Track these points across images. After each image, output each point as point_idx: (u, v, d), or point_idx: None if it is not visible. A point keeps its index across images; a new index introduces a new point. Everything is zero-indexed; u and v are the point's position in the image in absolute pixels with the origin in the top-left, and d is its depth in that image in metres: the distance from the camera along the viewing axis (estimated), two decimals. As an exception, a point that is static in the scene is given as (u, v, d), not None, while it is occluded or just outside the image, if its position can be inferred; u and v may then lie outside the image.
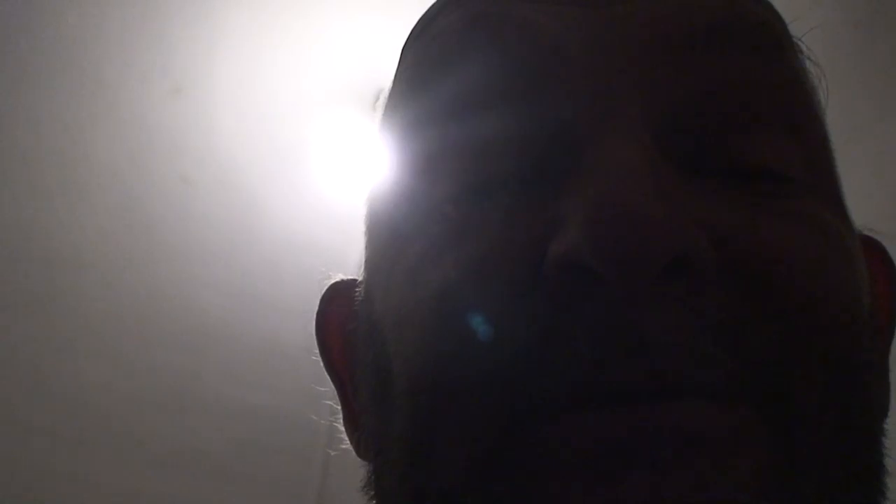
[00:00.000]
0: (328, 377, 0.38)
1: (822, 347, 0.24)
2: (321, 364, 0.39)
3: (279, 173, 1.83)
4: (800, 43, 0.31)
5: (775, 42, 0.29)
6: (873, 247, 0.34)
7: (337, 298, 0.38)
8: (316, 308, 0.39)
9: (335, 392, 0.38)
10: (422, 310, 0.26)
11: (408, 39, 0.34)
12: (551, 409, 0.23)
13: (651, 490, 0.21)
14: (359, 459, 0.35)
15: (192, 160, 1.80)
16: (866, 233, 0.34)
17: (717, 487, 0.21)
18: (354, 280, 0.36)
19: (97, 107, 1.72)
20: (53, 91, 1.69)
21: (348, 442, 0.38)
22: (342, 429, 0.38)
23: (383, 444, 0.29)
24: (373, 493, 0.31)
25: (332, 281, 0.39)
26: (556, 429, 0.23)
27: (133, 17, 1.62)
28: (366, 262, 0.33)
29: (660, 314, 0.22)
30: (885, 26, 1.45)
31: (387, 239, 0.31)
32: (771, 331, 0.23)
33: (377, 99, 1.74)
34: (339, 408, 0.38)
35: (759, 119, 0.27)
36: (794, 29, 0.31)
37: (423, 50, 0.31)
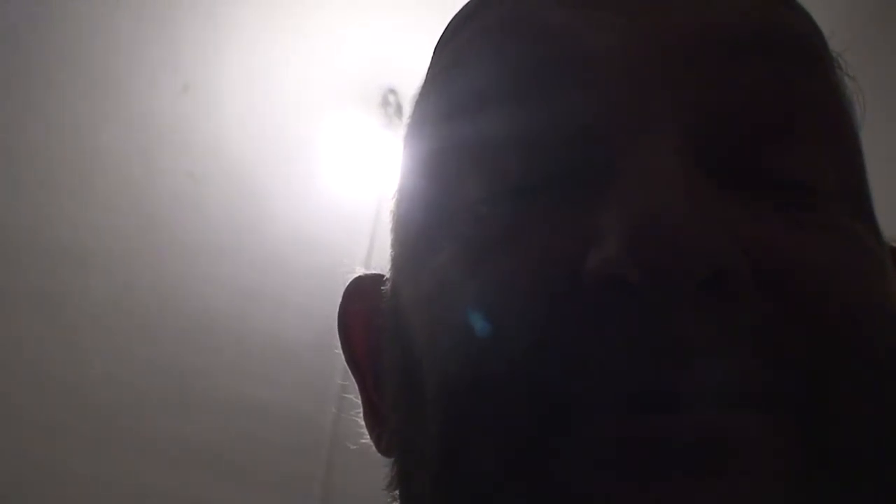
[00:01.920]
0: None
1: (856, 358, 0.24)
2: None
3: (286, 170, 1.84)
4: (838, 56, 0.31)
5: (813, 54, 0.29)
6: None
7: (360, 292, 0.38)
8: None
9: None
10: (456, 316, 0.26)
11: (439, 41, 0.34)
12: (588, 413, 0.23)
13: (684, 496, 0.21)
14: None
15: (199, 157, 1.80)
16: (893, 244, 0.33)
17: (749, 495, 0.22)
18: (379, 275, 0.36)
19: (106, 103, 1.73)
20: (63, 88, 1.70)
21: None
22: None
23: (413, 443, 0.28)
24: (398, 491, 0.31)
25: (355, 275, 0.39)
26: (591, 431, 0.23)
27: (143, 15, 1.63)
28: (393, 258, 0.33)
29: (697, 325, 0.23)
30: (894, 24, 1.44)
31: (415, 237, 0.31)
32: (806, 342, 0.23)
33: (384, 98, 1.75)
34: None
35: (795, 131, 0.27)
36: (833, 43, 0.31)
37: (455, 52, 0.31)
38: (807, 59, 0.29)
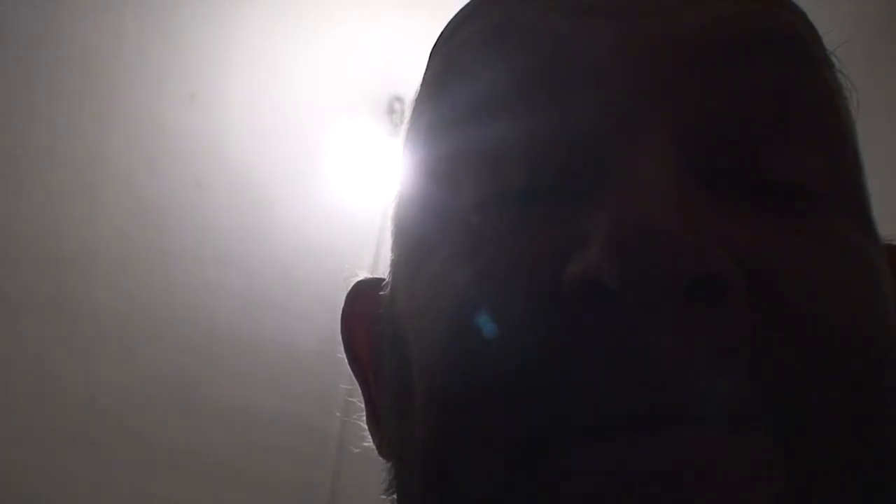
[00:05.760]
0: (342, 377, 0.38)
1: (845, 374, 0.24)
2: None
3: (292, 178, 1.84)
4: (832, 56, 0.30)
5: (808, 55, 0.29)
6: None
7: (362, 297, 0.38)
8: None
9: (347, 396, 0.38)
10: (441, 321, 0.26)
11: (435, 46, 0.34)
12: (566, 431, 0.23)
13: None
14: (370, 463, 0.35)
15: (206, 164, 1.81)
16: (893, 243, 0.33)
17: None
18: (380, 279, 0.36)
19: (113, 111, 1.74)
20: (70, 95, 1.71)
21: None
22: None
23: (404, 451, 0.29)
24: (394, 496, 0.31)
25: (357, 279, 0.39)
26: (574, 444, 0.23)
27: (149, 23, 1.64)
28: (392, 264, 0.33)
29: (678, 339, 0.22)
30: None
31: (412, 244, 0.31)
32: (793, 356, 0.23)
33: (390, 105, 1.75)
34: (353, 408, 0.38)
35: (790, 133, 0.27)
36: (827, 42, 0.31)
37: (450, 56, 0.31)
38: (801, 60, 0.28)
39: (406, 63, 1.65)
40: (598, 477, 0.22)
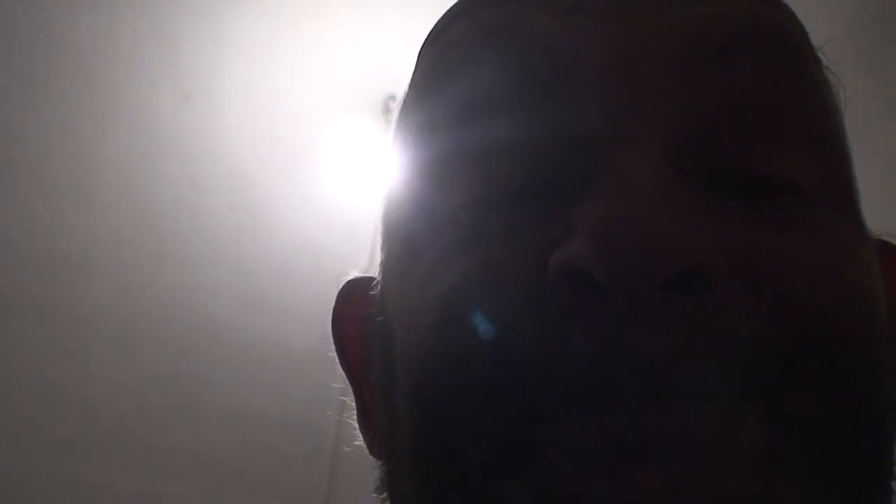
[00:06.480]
0: (339, 377, 0.39)
1: (835, 362, 0.24)
2: (329, 368, 0.39)
3: (289, 178, 1.84)
4: (820, 53, 0.31)
5: (796, 54, 0.29)
6: (892, 252, 0.33)
7: (353, 296, 0.38)
8: (324, 312, 0.39)
9: (345, 393, 0.39)
10: (427, 315, 0.26)
11: (423, 46, 0.34)
12: (556, 411, 0.23)
13: (657, 488, 0.22)
14: (367, 463, 0.35)
15: (201, 165, 1.80)
16: (885, 238, 0.33)
17: (718, 482, 0.22)
18: (370, 278, 0.36)
19: (107, 113, 1.74)
20: (64, 98, 1.71)
21: (356, 444, 0.38)
22: (350, 432, 0.38)
23: (394, 447, 0.29)
24: (386, 494, 0.31)
25: (348, 278, 0.39)
26: (562, 429, 0.23)
27: (143, 25, 1.63)
28: (382, 264, 0.34)
29: (663, 329, 0.22)
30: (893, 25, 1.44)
31: (402, 244, 0.31)
32: (781, 345, 0.23)
33: (386, 105, 1.75)
34: (347, 407, 0.38)
35: (778, 131, 0.27)
36: (814, 38, 0.31)
37: (438, 57, 0.31)
38: (791, 59, 0.29)
39: (401, 62, 1.65)
40: (590, 440, 0.22)
